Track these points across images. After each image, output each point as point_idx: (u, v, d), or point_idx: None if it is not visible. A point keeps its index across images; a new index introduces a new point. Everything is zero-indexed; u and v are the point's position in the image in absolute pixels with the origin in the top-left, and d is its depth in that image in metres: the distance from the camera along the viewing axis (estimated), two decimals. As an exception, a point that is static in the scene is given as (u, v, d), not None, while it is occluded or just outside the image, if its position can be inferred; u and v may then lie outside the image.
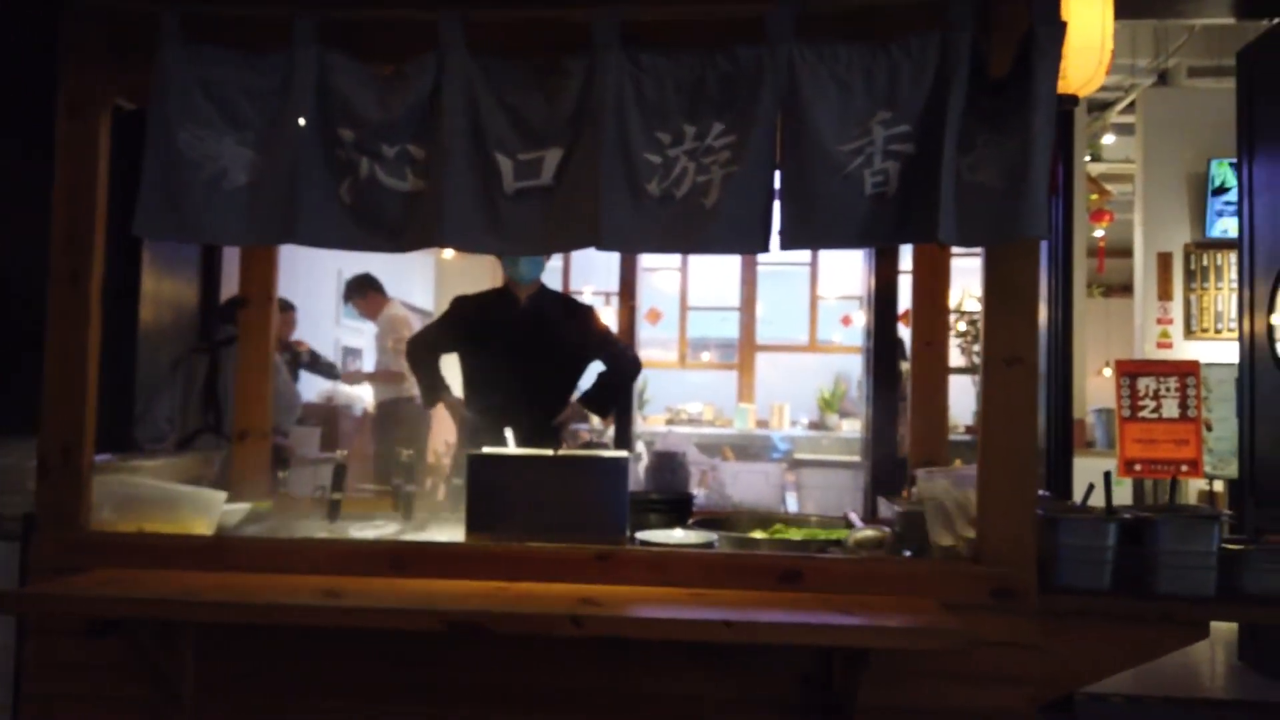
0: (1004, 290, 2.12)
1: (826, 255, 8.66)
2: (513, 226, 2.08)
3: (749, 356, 8.83)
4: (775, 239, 2.06)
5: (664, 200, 2.05)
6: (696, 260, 8.91)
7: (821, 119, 1.99)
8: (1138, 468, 6.88)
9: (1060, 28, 1.93)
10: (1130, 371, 6.97)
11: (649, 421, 8.70)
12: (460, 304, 3.60)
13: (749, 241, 2.04)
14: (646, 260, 8.98)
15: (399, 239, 2.13)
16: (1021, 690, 2.07)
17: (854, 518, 2.65)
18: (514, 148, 2.07)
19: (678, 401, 8.81)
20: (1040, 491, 2.89)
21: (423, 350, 3.59)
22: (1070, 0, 2.42)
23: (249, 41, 2.16)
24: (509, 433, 2.60)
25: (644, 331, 9.31)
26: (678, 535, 2.37)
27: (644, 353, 9.26)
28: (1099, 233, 10.47)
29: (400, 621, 1.86)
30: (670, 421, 8.64)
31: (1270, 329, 4.43)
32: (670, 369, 9.13)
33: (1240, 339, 4.67)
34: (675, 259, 8.98)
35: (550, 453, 2.37)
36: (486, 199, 2.08)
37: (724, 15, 2.13)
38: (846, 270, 8.35)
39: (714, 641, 1.98)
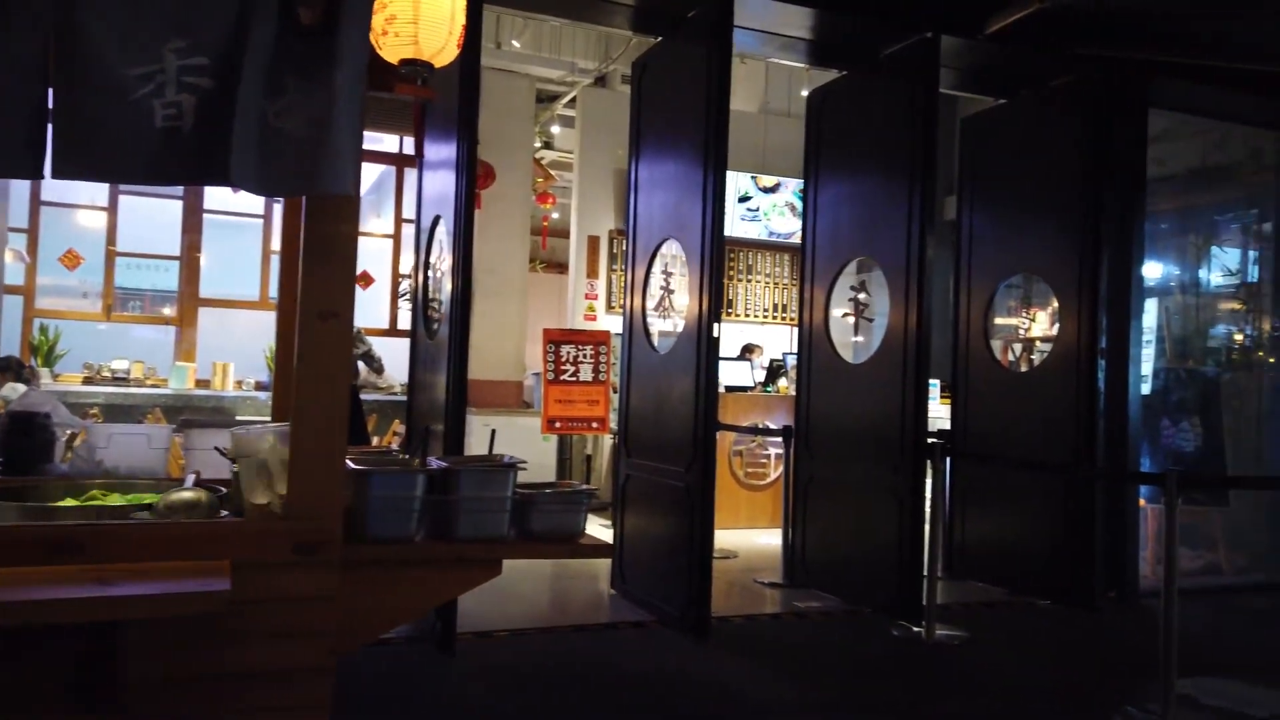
0: (322, 245, 2.11)
1: (280, 207, 8.23)
2: None
3: (190, 311, 8.06)
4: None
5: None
6: (128, 201, 7.88)
7: (101, 35, 1.77)
8: (558, 425, 7.59)
9: (371, -13, 1.95)
10: (555, 339, 7.66)
11: (62, 380, 7.53)
12: None
13: (8, 163, 1.76)
14: (65, 193, 7.73)
15: None
16: (323, 643, 2.09)
17: (190, 480, 2.48)
18: None
19: (101, 358, 7.74)
20: (386, 448, 3.00)
21: None
22: (422, -29, 2.49)
23: None
24: None
25: (61, 277, 8.01)
26: (-67, 509, 1.99)
27: (57, 302, 8.01)
28: (557, 214, 11.41)
29: None
30: (89, 380, 7.57)
31: (644, 307, 5.17)
32: (92, 321, 7.98)
33: (625, 314, 5.38)
34: (102, 194, 7.85)
35: None
36: None
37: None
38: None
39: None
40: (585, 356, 7.28)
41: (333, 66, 1.91)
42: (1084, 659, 4.32)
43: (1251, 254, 7.17)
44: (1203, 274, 7.11)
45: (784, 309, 9.09)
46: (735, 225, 8.99)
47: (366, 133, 2.14)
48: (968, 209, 5.90)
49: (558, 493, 2.32)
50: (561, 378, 7.31)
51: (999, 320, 7.25)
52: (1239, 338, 6.87)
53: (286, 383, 2.90)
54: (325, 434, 2.10)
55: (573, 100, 9.07)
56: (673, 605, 4.49)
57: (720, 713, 3.45)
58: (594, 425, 7.46)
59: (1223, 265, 7.26)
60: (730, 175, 8.69)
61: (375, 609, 2.18)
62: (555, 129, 9.95)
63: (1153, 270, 7.00)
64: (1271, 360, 6.60)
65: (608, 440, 8.42)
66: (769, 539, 6.80)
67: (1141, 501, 5.32)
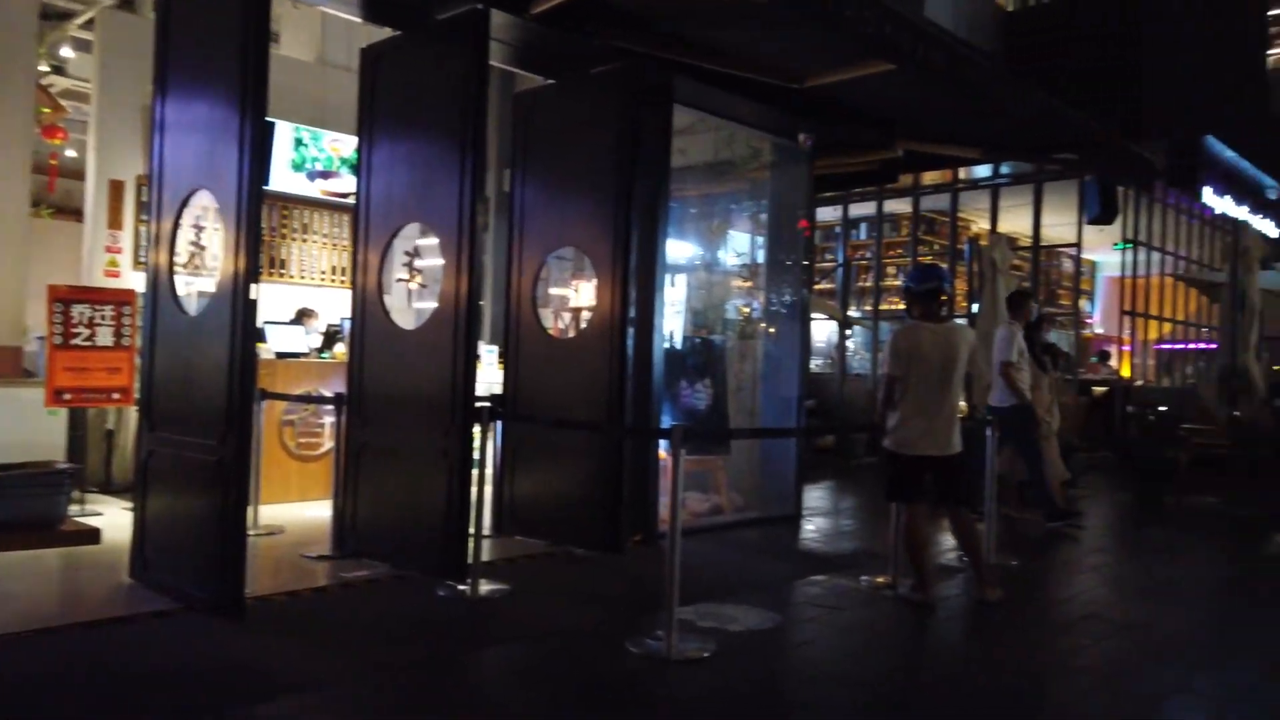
0: None
1: None
2: None
3: None
4: None
5: None
6: None
7: None
8: (68, 397, 6.60)
9: None
10: (64, 298, 6.63)
11: None
12: None
13: None
14: None
15: None
16: None
17: None
18: None
19: None
20: None
21: None
22: None
23: None
24: None
25: None
26: None
27: None
28: (72, 152, 9.86)
29: None
30: None
31: (172, 264, 4.64)
32: None
33: (149, 271, 4.78)
34: None
35: None
36: None
37: None
38: None
39: None
40: (104, 318, 6.39)
41: None
42: (610, 599, 4.78)
43: (757, 239, 8.41)
44: (720, 254, 8.19)
45: (343, 272, 8.76)
46: (290, 180, 8.45)
47: None
48: (520, 182, 6.14)
49: (24, 474, 2.00)
50: (73, 342, 6.35)
51: (553, 290, 7.68)
52: (745, 310, 8.03)
53: None
54: None
55: (91, 22, 7.82)
56: (204, 589, 4.14)
57: (253, 696, 3.26)
58: (115, 396, 6.59)
59: (734, 248, 8.43)
60: (285, 126, 8.16)
61: None
62: (68, 52, 8.52)
63: (681, 249, 7.91)
64: (773, 330, 7.80)
65: (134, 413, 7.50)
66: (321, 511, 6.54)
67: (662, 454, 6.00)
